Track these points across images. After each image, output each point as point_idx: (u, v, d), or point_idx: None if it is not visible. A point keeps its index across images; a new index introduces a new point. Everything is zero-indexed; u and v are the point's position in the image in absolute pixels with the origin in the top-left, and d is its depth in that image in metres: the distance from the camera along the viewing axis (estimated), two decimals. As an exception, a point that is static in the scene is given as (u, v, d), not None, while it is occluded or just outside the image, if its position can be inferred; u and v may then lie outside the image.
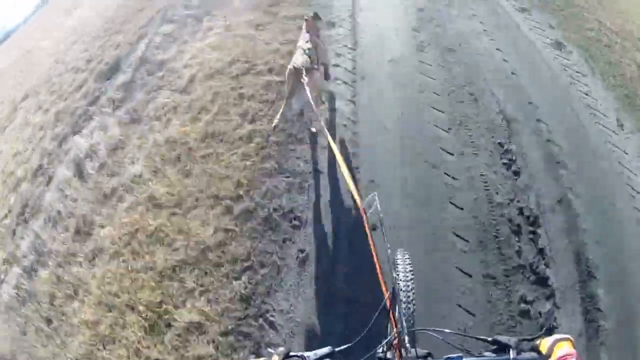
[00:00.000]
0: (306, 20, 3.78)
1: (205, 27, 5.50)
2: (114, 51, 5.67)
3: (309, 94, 3.13)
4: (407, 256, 2.02)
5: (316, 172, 3.56)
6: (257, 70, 4.54)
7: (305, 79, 3.17)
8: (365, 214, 1.58)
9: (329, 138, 2.63)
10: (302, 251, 3.03)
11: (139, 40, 5.64)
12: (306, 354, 1.02)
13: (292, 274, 2.93)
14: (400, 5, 5.71)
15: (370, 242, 1.56)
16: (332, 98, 4.25)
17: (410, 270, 1.91)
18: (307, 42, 3.54)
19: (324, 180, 3.48)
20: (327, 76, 4.23)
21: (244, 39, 5.04)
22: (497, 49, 4.89)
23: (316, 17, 3.86)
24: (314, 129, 3.86)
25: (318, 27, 3.84)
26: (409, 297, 1.77)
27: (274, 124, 3.27)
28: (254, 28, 5.25)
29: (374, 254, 1.57)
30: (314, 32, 3.71)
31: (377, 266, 1.58)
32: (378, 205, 1.59)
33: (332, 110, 4.12)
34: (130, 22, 6.34)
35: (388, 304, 1.37)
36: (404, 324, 1.70)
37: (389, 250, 1.75)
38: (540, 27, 5.39)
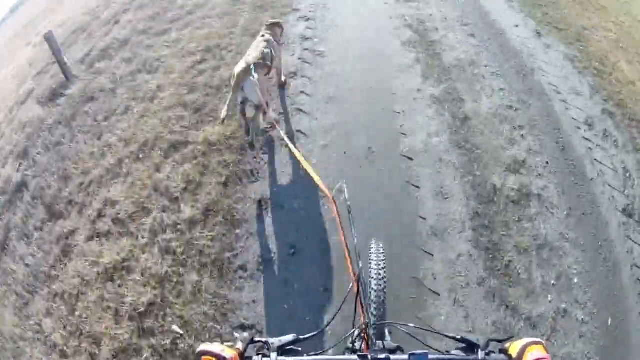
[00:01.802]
0: (266, 25, 3.79)
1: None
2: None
3: (258, 92, 3.08)
4: (380, 246, 2.02)
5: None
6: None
7: (254, 76, 3.13)
8: (335, 202, 1.63)
9: (287, 140, 2.67)
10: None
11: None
12: (270, 340, 0.99)
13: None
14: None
15: (340, 231, 1.59)
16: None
17: (383, 261, 1.91)
18: (262, 42, 3.50)
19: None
20: (282, 84, 4.21)
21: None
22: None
23: (276, 23, 3.86)
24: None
25: (277, 33, 3.82)
26: (380, 287, 1.78)
27: (222, 117, 3.18)
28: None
29: (342, 241, 1.60)
30: (274, 37, 3.69)
31: (347, 253, 1.61)
32: (346, 193, 1.63)
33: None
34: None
35: (355, 291, 1.35)
36: (372, 315, 1.71)
37: (356, 240, 1.79)
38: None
